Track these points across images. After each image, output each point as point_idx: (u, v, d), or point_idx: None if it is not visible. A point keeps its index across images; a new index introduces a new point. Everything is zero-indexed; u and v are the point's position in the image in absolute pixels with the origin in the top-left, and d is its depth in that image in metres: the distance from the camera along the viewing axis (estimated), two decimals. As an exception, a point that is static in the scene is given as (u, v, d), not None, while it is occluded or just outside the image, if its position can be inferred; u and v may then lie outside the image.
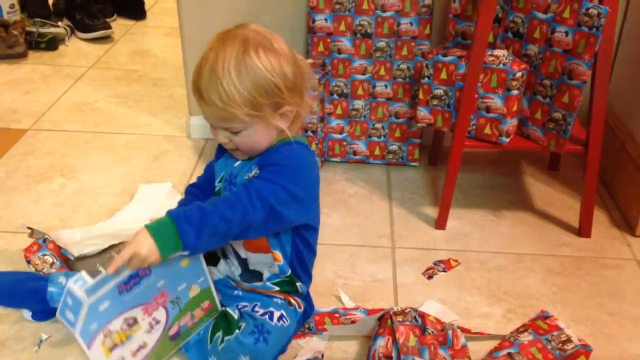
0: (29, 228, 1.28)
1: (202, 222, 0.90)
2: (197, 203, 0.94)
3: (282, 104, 0.97)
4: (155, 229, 0.89)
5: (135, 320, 0.98)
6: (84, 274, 0.90)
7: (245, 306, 1.07)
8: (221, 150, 1.09)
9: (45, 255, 1.22)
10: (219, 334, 1.02)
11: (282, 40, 1.00)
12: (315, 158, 1.10)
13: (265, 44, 0.96)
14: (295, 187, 0.97)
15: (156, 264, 0.91)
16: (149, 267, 0.95)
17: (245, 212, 0.93)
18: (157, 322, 1.01)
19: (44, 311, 1.12)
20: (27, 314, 1.14)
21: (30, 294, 1.10)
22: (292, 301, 1.08)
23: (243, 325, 1.02)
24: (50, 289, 1.09)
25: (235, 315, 1.05)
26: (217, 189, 1.09)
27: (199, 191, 1.15)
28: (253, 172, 1.02)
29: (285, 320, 1.05)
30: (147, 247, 0.88)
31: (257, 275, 1.08)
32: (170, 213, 0.91)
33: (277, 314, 1.04)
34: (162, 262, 0.92)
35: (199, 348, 1.06)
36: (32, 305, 1.12)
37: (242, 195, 0.94)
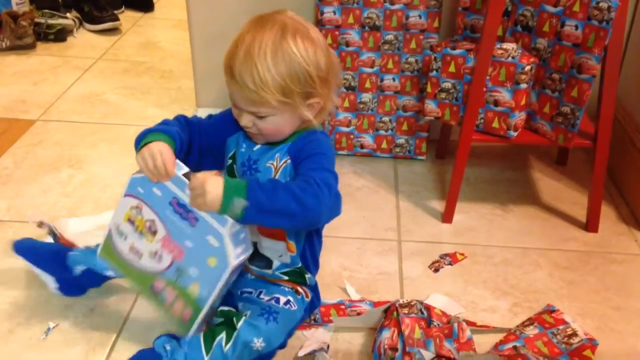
0: (39, 222, 1.28)
1: (272, 191, 0.90)
2: (270, 178, 0.97)
3: (312, 94, 0.98)
4: (231, 191, 0.90)
5: (155, 232, 1.00)
6: (180, 163, 0.97)
7: (250, 292, 1.07)
8: (234, 126, 1.07)
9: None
10: (221, 337, 0.97)
11: (317, 30, 1.00)
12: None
13: (303, 32, 0.96)
14: (336, 173, 0.99)
15: (213, 208, 0.91)
16: (194, 217, 0.95)
17: (316, 197, 0.92)
18: (160, 260, 1.01)
19: (69, 284, 1.14)
20: (52, 284, 1.14)
21: (55, 259, 1.12)
22: (300, 290, 1.08)
23: (248, 312, 1.01)
24: (71, 253, 1.12)
25: (237, 308, 1.04)
26: (228, 163, 1.08)
27: (185, 137, 1.06)
28: (283, 161, 1.01)
29: (292, 305, 1.04)
30: (215, 186, 0.89)
31: (267, 262, 1.08)
32: (249, 184, 0.91)
33: (283, 299, 1.04)
34: (202, 229, 0.94)
35: None
36: (56, 269, 1.13)
37: (311, 182, 0.93)
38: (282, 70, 0.93)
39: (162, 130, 0.99)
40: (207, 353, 0.96)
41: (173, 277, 1.01)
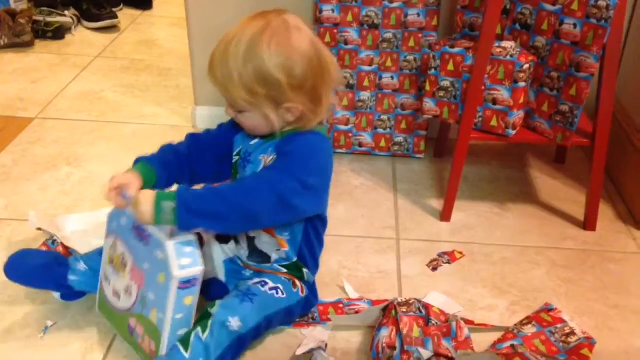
0: (38, 229, 1.27)
1: (201, 194, 0.93)
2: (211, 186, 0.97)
3: (283, 100, 0.97)
4: (160, 197, 0.93)
5: (125, 265, 0.98)
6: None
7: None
8: (238, 126, 1.08)
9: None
10: (196, 330, 0.94)
11: (309, 37, 0.98)
12: (331, 148, 1.11)
13: (283, 37, 0.95)
14: (308, 176, 0.97)
15: (147, 218, 0.93)
16: (147, 235, 0.95)
17: (249, 198, 0.93)
18: (130, 294, 0.99)
19: (71, 294, 1.12)
20: (55, 294, 1.13)
21: (52, 279, 1.09)
22: (297, 283, 1.08)
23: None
24: (71, 277, 1.09)
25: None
26: (234, 160, 1.10)
27: (175, 159, 1.09)
28: (271, 157, 1.02)
29: (280, 293, 1.04)
30: (146, 197, 0.93)
31: (265, 257, 1.08)
32: (178, 189, 0.94)
33: (271, 285, 1.04)
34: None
35: None
36: (54, 288, 1.11)
37: (250, 182, 0.95)
38: (249, 71, 0.94)
39: (140, 159, 1.06)
40: (187, 350, 0.92)
41: (139, 309, 0.99)
